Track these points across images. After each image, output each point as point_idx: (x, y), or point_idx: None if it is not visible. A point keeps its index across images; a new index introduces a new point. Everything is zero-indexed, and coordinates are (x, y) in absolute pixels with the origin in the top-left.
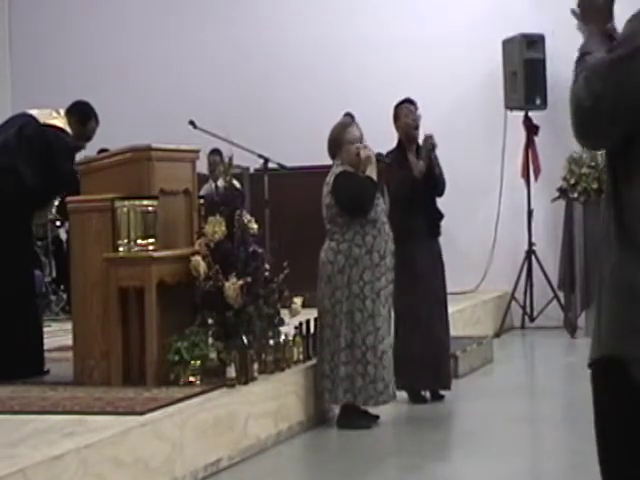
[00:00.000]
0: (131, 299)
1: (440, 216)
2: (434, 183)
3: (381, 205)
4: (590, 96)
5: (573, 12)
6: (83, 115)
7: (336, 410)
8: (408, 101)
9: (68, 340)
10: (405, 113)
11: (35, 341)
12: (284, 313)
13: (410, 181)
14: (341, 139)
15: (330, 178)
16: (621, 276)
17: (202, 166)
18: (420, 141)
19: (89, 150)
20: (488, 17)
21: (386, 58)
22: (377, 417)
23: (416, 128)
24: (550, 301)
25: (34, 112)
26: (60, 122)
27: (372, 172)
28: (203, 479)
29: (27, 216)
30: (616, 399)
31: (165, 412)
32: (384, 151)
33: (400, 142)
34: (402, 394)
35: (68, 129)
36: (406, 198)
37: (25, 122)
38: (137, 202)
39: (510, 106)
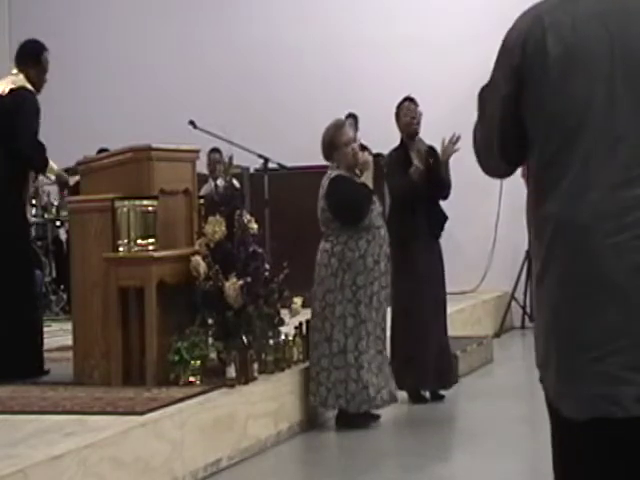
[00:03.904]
0: (131, 299)
1: (444, 218)
2: (439, 186)
3: (377, 209)
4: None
5: None
6: (33, 54)
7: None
8: (408, 99)
9: (68, 340)
10: (404, 112)
11: (34, 340)
12: (284, 313)
13: (410, 187)
14: (336, 142)
15: (325, 182)
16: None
17: (202, 166)
18: (425, 140)
19: (89, 151)
20: (488, 17)
21: (386, 58)
22: (378, 417)
23: (416, 124)
24: None
25: None
26: (20, 82)
27: (368, 178)
28: (203, 479)
29: (22, 208)
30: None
31: (165, 412)
32: (385, 151)
33: (402, 141)
34: (402, 394)
35: (28, 85)
36: (407, 203)
37: None
38: (137, 202)
39: None
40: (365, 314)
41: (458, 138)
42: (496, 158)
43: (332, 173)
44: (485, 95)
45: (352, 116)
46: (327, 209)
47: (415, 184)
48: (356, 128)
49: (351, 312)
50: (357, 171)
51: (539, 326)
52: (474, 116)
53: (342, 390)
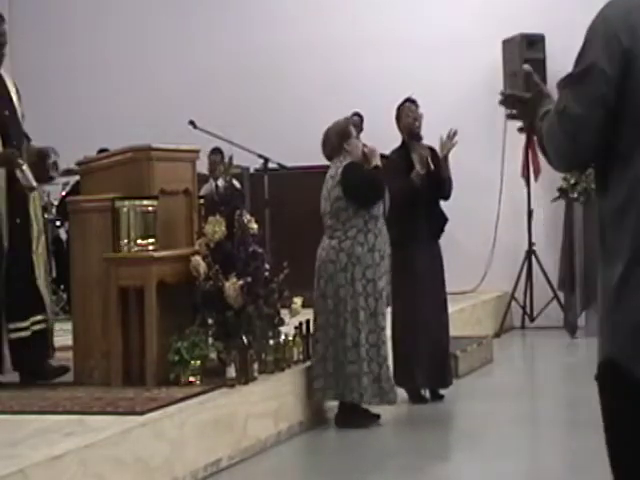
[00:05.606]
0: (131, 299)
1: (444, 220)
2: (441, 186)
3: (383, 203)
4: (566, 136)
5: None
6: None
7: (335, 409)
8: (409, 100)
9: (68, 340)
10: (406, 113)
11: None
12: (284, 313)
13: (410, 191)
14: (349, 132)
15: (336, 171)
16: (601, 282)
17: (202, 166)
18: (422, 139)
19: (89, 151)
20: (488, 17)
21: (386, 58)
22: (378, 416)
23: (418, 125)
24: (550, 301)
25: None
26: None
27: (378, 162)
28: (203, 479)
29: None
30: (618, 400)
31: (165, 412)
32: (387, 151)
33: (403, 142)
34: (402, 394)
35: None
36: (407, 204)
37: None
38: (137, 202)
39: None
40: (375, 307)
41: (455, 132)
42: (575, 154)
43: (344, 162)
44: (573, 87)
45: (357, 115)
46: (342, 195)
47: (416, 188)
48: (361, 127)
49: (362, 305)
50: (366, 163)
51: (615, 322)
52: (473, 117)
53: (356, 384)
